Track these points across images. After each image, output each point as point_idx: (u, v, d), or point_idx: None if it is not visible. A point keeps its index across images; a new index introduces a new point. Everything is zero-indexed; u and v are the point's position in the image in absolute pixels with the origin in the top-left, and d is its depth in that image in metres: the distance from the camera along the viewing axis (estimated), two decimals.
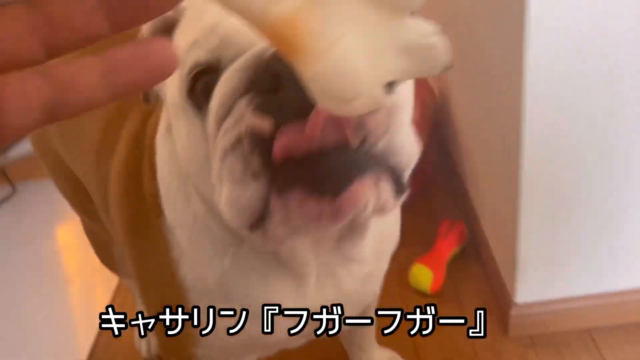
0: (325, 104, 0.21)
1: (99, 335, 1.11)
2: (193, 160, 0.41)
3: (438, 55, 0.22)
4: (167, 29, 0.44)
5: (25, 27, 0.17)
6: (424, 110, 1.26)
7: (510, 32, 0.77)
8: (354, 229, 0.46)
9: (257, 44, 0.35)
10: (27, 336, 1.15)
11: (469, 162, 1.20)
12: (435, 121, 1.34)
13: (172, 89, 0.41)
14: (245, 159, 0.33)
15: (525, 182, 0.82)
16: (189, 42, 0.38)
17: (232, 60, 0.36)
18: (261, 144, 0.32)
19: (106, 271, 1.12)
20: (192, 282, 0.51)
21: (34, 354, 1.11)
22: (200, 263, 0.50)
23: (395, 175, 0.36)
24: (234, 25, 0.36)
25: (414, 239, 1.21)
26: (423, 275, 1.05)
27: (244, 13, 0.19)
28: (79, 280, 1.29)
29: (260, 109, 0.32)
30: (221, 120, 0.35)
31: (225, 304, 0.51)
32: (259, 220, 0.35)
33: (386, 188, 0.35)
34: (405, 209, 1.30)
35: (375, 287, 0.63)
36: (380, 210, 0.36)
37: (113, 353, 1.09)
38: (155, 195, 0.52)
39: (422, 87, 1.30)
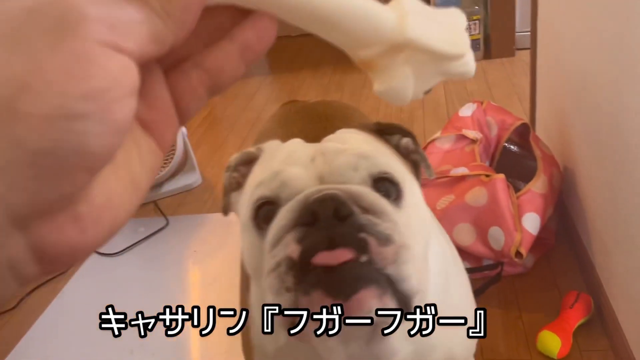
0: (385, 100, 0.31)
1: None
2: (251, 266, 0.54)
3: (469, 73, 0.31)
4: (250, 161, 0.60)
5: (195, 80, 0.25)
6: (551, 183, 1.35)
7: None
8: (378, 333, 0.53)
9: (305, 189, 0.48)
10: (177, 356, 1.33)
11: (596, 235, 1.26)
12: (560, 193, 1.42)
13: (243, 212, 0.55)
14: (281, 278, 0.45)
15: None
16: (257, 181, 0.53)
17: (287, 199, 0.49)
18: (293, 266, 0.45)
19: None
20: (256, 344, 0.65)
21: None
22: (264, 335, 0.62)
23: (401, 297, 0.45)
24: (291, 174, 0.50)
25: (537, 306, 1.28)
26: (552, 342, 1.12)
27: (342, 46, 0.29)
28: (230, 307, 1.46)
29: (298, 240, 0.45)
30: (272, 247, 0.48)
31: None
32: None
33: (388, 302, 0.44)
34: (529, 276, 1.38)
35: None
36: (382, 321, 0.45)
37: None
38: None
39: (550, 163, 1.38)
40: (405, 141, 0.58)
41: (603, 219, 1.19)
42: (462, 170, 1.34)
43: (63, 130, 0.19)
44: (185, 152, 2.07)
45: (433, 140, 1.49)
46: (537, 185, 1.31)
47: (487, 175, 1.30)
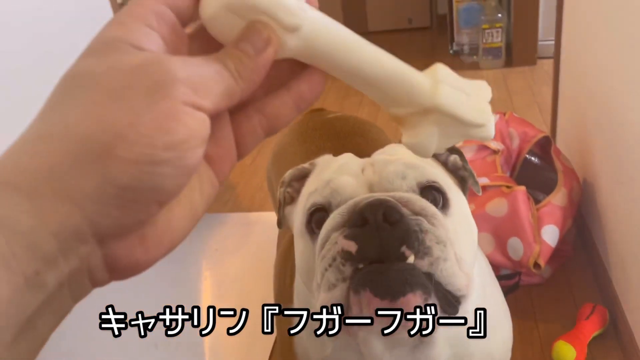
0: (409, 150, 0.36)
1: (271, 358, 1.30)
2: (304, 270, 0.57)
3: (488, 138, 0.35)
4: (303, 177, 0.64)
5: (256, 123, 0.30)
6: (571, 196, 1.37)
7: None
8: (423, 340, 0.58)
9: (355, 196, 0.52)
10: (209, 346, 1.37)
11: (614, 249, 1.27)
12: (579, 206, 1.44)
13: (297, 220, 0.59)
14: (339, 269, 0.48)
15: None
16: (311, 190, 0.57)
17: (338, 205, 0.53)
18: (350, 258, 0.47)
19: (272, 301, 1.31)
20: (300, 355, 0.68)
21: None
22: (309, 344, 0.66)
23: (446, 299, 0.48)
24: (341, 182, 0.54)
25: (554, 316, 1.31)
26: (567, 352, 1.14)
27: (379, 102, 0.33)
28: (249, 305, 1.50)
29: (348, 237, 0.48)
30: (321, 246, 0.51)
31: None
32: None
33: (431, 306, 0.47)
34: (546, 287, 1.39)
35: None
36: (425, 326, 0.48)
37: None
38: (290, 285, 0.72)
39: (570, 176, 1.40)
40: (453, 158, 0.61)
41: (621, 233, 1.21)
42: (483, 181, 1.37)
43: (145, 172, 0.23)
44: None
45: None
46: (557, 198, 1.33)
47: (508, 187, 1.32)
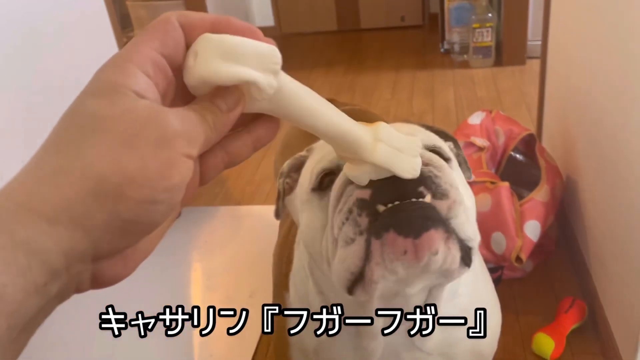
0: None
1: (258, 347, 1.33)
2: (311, 237, 0.57)
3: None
4: (300, 166, 0.65)
5: (219, 159, 0.35)
6: (553, 193, 1.40)
7: None
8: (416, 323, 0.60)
9: None
10: (188, 343, 1.39)
11: (594, 245, 1.31)
12: (561, 203, 1.47)
13: (301, 194, 0.60)
14: (356, 221, 0.47)
15: None
16: (317, 159, 0.59)
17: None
18: (366, 207, 0.46)
19: (261, 292, 1.32)
20: (294, 340, 0.70)
21: None
22: (303, 331, 0.66)
23: (462, 245, 0.47)
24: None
25: (534, 309, 1.34)
26: (546, 344, 1.18)
27: (332, 146, 0.41)
28: (238, 296, 1.52)
29: (362, 187, 0.47)
30: (337, 200, 0.50)
31: None
32: (358, 279, 0.48)
33: (453, 247, 0.46)
34: (527, 281, 1.43)
35: None
36: (447, 271, 0.47)
37: None
38: (287, 275, 0.73)
39: (553, 173, 1.44)
40: (449, 144, 0.64)
41: (601, 230, 1.24)
42: None
43: (145, 210, 0.29)
44: None
45: None
46: (540, 194, 1.36)
47: (492, 182, 1.35)
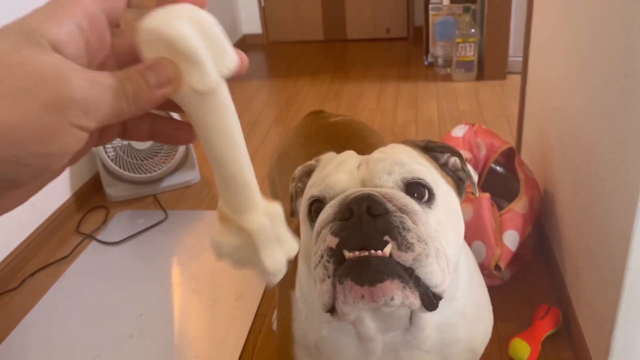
0: None
1: (244, 350, 1.35)
2: (306, 258, 0.63)
3: (272, 283, 0.39)
4: (310, 172, 0.70)
5: (144, 128, 0.34)
6: (531, 204, 1.46)
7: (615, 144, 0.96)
8: (413, 323, 0.66)
9: (346, 190, 0.58)
10: (179, 343, 1.41)
11: (569, 255, 1.37)
12: (539, 214, 1.53)
13: (301, 210, 0.66)
14: (325, 266, 0.54)
15: (628, 288, 1.00)
16: (310, 184, 0.64)
17: (331, 198, 0.59)
18: (333, 254, 0.54)
19: (247, 295, 1.34)
20: (298, 337, 0.74)
21: None
22: (307, 326, 0.72)
23: (425, 293, 0.53)
24: (335, 178, 0.60)
25: (512, 316, 1.39)
26: (522, 349, 1.23)
27: (218, 189, 0.36)
28: (224, 299, 1.54)
29: (334, 232, 0.54)
30: (316, 240, 0.57)
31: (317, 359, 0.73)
32: (332, 309, 0.55)
33: (411, 294, 0.52)
34: (505, 289, 1.47)
35: None
36: (411, 307, 0.53)
37: None
38: (293, 274, 0.77)
39: (532, 185, 1.50)
40: (454, 160, 0.66)
41: (575, 241, 1.30)
42: None
43: (7, 169, 0.26)
44: (187, 150, 2.16)
45: None
46: (519, 206, 1.42)
47: (473, 193, 1.40)
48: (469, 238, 1.38)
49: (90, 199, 2.10)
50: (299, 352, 0.76)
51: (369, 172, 0.59)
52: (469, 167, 0.66)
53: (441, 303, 0.57)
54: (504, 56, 2.89)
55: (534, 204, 1.47)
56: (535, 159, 1.70)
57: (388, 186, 0.57)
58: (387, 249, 0.51)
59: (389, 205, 0.53)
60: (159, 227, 1.90)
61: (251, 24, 4.02)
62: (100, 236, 1.88)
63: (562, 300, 1.38)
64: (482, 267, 1.37)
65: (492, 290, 1.47)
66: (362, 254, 0.51)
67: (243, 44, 3.99)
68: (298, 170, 0.72)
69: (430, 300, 0.54)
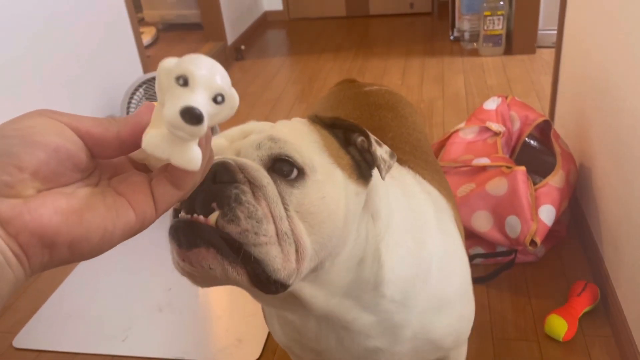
0: None
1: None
2: None
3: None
4: None
5: (167, 184, 0.37)
6: (568, 179, 1.41)
7: None
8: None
9: (217, 156, 0.53)
10: (198, 326, 1.41)
11: (608, 230, 1.33)
12: (574, 189, 1.49)
13: None
14: (170, 226, 0.51)
15: None
16: None
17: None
18: (175, 214, 0.50)
19: None
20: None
21: (204, 346, 1.36)
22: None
23: (255, 274, 0.50)
24: (213, 144, 0.53)
25: (546, 293, 1.36)
26: (559, 325, 1.20)
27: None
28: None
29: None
30: None
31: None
32: None
33: (230, 268, 0.49)
34: (539, 265, 1.44)
35: None
36: (237, 283, 0.51)
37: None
38: None
39: (568, 159, 1.45)
40: (361, 140, 0.60)
41: (616, 215, 1.26)
42: (484, 161, 1.41)
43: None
44: (210, 129, 2.14)
45: (457, 131, 1.56)
46: (555, 180, 1.37)
47: (508, 167, 1.36)
48: (503, 213, 1.34)
49: None
50: (265, 310, 0.80)
51: (243, 143, 0.56)
52: (378, 150, 0.60)
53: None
54: (534, 29, 2.81)
55: (571, 178, 1.43)
56: (570, 133, 1.65)
57: (252, 159, 0.54)
58: (212, 218, 0.49)
59: (239, 176, 0.51)
60: None
61: (272, 0, 3.96)
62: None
63: (599, 277, 1.34)
64: (517, 242, 1.34)
65: (526, 267, 1.45)
66: (185, 217, 0.49)
67: (264, 21, 3.94)
68: None
69: (263, 283, 0.51)
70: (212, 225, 0.49)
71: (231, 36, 3.28)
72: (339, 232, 0.56)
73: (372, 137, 0.59)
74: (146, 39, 3.37)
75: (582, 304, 1.25)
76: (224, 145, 0.57)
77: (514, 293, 1.37)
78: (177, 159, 0.35)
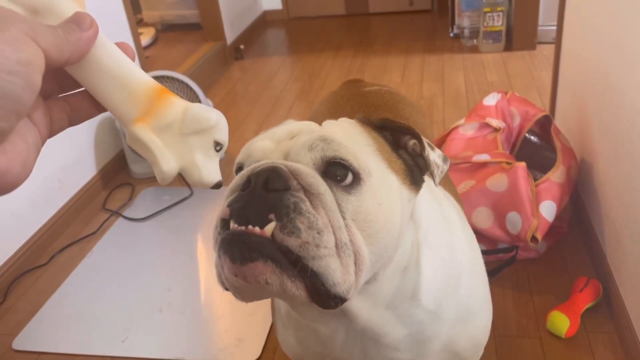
0: None
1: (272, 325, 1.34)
2: None
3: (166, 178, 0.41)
4: None
5: (62, 110, 0.39)
6: (569, 174, 1.40)
7: None
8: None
9: (264, 159, 0.52)
10: (203, 317, 1.40)
11: (610, 226, 1.31)
12: (575, 185, 1.48)
13: None
14: (216, 238, 0.49)
15: None
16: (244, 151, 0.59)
17: (249, 165, 0.53)
18: (223, 225, 0.48)
19: None
20: (276, 305, 0.74)
21: (208, 336, 1.36)
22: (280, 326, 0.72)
23: (315, 287, 0.47)
24: (257, 146, 0.54)
25: (548, 289, 1.35)
26: (561, 322, 1.19)
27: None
28: None
29: (230, 202, 0.48)
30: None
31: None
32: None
33: (292, 284, 0.46)
34: (541, 261, 1.43)
35: None
36: (294, 298, 0.47)
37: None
38: None
39: (569, 154, 1.44)
40: (413, 143, 0.57)
41: (617, 210, 1.25)
42: (484, 157, 1.40)
43: (3, 80, 0.30)
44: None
45: (457, 127, 1.55)
46: (556, 175, 1.36)
47: (508, 163, 1.35)
48: (504, 209, 1.33)
49: (116, 176, 2.10)
50: (278, 322, 0.74)
51: (293, 145, 0.53)
52: (431, 154, 0.56)
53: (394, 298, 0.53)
54: (534, 25, 2.79)
55: (572, 173, 1.41)
56: (571, 128, 1.64)
57: (304, 162, 0.50)
58: (268, 229, 0.46)
59: (293, 183, 0.47)
60: (185, 204, 1.89)
61: (271, 0, 3.96)
62: (127, 213, 1.87)
63: (601, 272, 1.33)
64: (518, 238, 1.33)
65: (527, 263, 1.43)
66: (238, 229, 0.46)
67: (263, 20, 3.93)
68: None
69: (322, 298, 0.47)
70: (269, 237, 0.46)
71: (230, 36, 3.28)
72: (394, 242, 0.53)
73: (425, 141, 0.56)
74: (145, 39, 3.36)
75: (585, 300, 1.24)
76: (270, 147, 0.53)
77: (516, 290, 1.36)
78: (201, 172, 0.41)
